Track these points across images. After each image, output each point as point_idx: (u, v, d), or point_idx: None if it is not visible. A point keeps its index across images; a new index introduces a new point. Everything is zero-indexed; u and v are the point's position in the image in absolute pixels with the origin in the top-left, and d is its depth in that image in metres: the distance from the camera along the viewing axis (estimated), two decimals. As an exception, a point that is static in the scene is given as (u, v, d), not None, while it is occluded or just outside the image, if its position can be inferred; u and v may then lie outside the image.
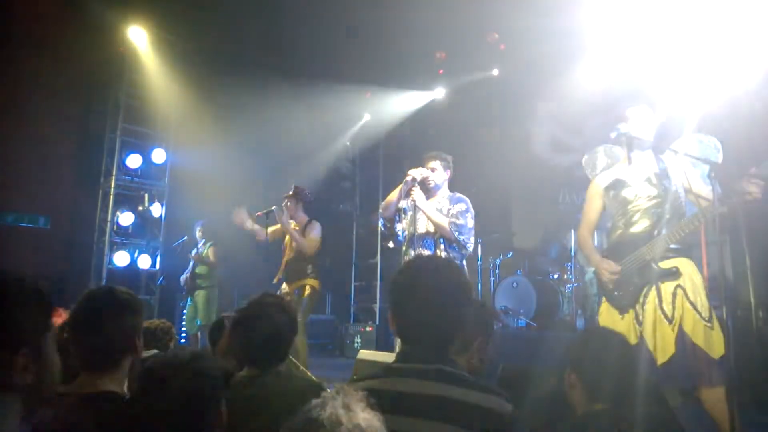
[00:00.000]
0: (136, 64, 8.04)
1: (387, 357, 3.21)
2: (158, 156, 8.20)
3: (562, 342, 5.32)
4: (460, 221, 3.94)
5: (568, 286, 6.75)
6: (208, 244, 7.33)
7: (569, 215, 7.88)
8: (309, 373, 3.52)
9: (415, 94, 9.48)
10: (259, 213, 5.33)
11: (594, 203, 3.49)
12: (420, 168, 4.11)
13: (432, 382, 1.46)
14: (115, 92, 8.18)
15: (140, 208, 8.01)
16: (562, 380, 1.95)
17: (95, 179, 8.10)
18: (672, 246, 3.08)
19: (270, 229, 5.44)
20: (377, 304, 9.75)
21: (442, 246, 4.03)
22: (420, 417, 1.40)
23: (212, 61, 8.16)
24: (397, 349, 2.19)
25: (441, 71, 9.14)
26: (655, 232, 3.12)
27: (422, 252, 3.97)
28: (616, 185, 3.34)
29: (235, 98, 8.62)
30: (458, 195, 4.12)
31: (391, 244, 4.51)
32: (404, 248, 4.15)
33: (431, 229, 4.02)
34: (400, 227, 4.20)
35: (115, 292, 1.78)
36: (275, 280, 5.35)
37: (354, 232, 10.53)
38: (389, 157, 10.26)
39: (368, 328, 8.36)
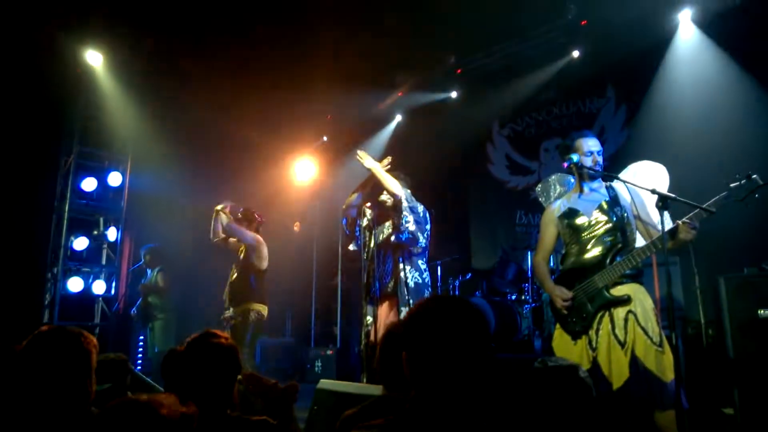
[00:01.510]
0: (92, 85, 7.93)
1: (347, 386, 3.21)
2: (114, 179, 8.06)
3: (520, 364, 5.41)
4: (413, 203, 4.27)
5: (526, 306, 6.88)
6: (156, 270, 7.22)
7: (526, 236, 8.06)
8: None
9: (373, 120, 9.62)
10: (218, 207, 5.38)
11: (548, 230, 3.58)
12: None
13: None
14: (70, 114, 8.02)
15: (95, 232, 7.84)
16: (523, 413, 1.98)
17: (48, 203, 7.89)
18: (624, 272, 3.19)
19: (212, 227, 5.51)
20: (338, 327, 9.72)
21: (399, 261, 4.13)
22: None
23: (171, 82, 8.11)
24: (366, 381, 2.17)
25: (400, 93, 9.29)
26: (608, 260, 3.23)
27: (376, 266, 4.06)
28: (569, 214, 3.45)
29: (196, 120, 8.57)
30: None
31: (352, 247, 4.64)
32: (367, 261, 4.27)
33: (389, 238, 4.16)
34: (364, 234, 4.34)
35: (65, 335, 1.74)
36: (226, 305, 5.29)
37: (314, 254, 10.49)
38: (350, 179, 10.30)
39: (329, 352, 8.32)
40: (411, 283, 4.09)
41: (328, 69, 7.73)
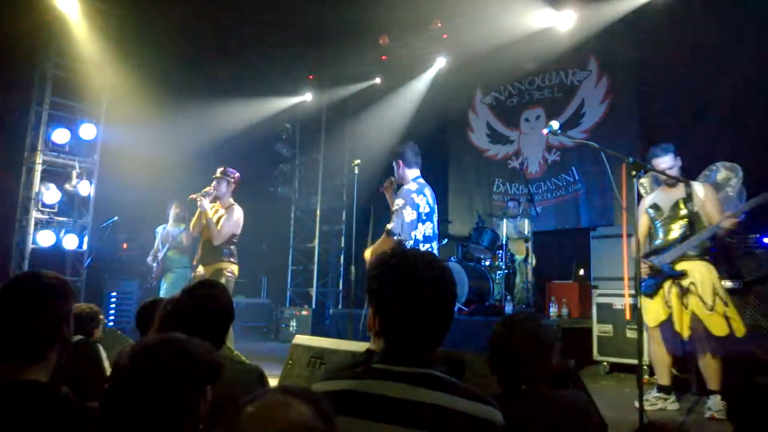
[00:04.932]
0: (65, 33, 7.67)
1: (323, 342, 3.25)
2: (87, 131, 7.87)
3: (491, 326, 5.53)
4: (393, 224, 4.05)
5: (499, 272, 6.98)
6: (182, 229, 6.89)
7: (502, 204, 8.13)
8: (242, 357, 3.52)
9: (354, 79, 9.54)
10: (192, 196, 5.21)
11: (642, 218, 4.44)
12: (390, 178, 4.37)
13: (420, 388, 1.37)
14: (41, 63, 7.77)
15: (67, 185, 7.68)
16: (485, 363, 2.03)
17: (19, 154, 7.71)
18: (690, 252, 4.05)
19: (192, 222, 5.38)
20: (314, 288, 9.78)
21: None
22: (405, 425, 1.32)
23: (148, 33, 7.89)
24: (372, 345, 2.16)
25: (384, 57, 9.18)
26: (677, 243, 4.13)
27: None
28: (654, 207, 4.36)
29: (172, 73, 8.38)
30: (404, 188, 4.20)
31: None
32: None
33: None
34: None
35: (42, 278, 1.71)
36: (194, 262, 5.29)
37: (292, 216, 10.47)
38: (330, 140, 10.25)
39: (304, 312, 8.38)
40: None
41: (310, 26, 7.60)
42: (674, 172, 4.18)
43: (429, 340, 1.47)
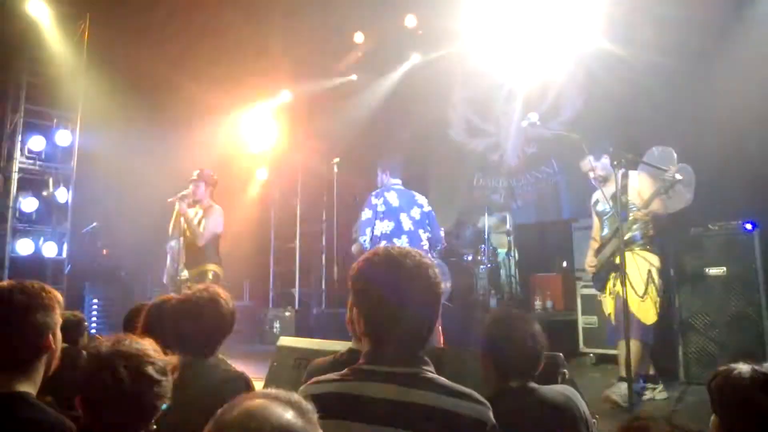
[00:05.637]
0: (38, 40, 7.56)
1: (308, 343, 3.24)
2: (63, 138, 7.75)
3: (476, 321, 5.55)
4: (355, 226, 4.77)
5: (482, 267, 7.01)
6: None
7: (483, 198, 8.16)
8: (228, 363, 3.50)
9: (331, 77, 9.50)
10: (170, 200, 5.17)
11: (593, 215, 4.62)
12: None
13: (409, 388, 1.35)
14: (15, 70, 7.64)
15: (45, 193, 7.57)
16: (478, 360, 2.04)
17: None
18: (636, 242, 4.13)
19: (171, 224, 5.37)
20: (296, 289, 9.74)
21: None
22: (395, 426, 1.30)
23: (121, 38, 7.80)
24: (354, 345, 2.19)
25: (360, 54, 9.16)
26: (614, 237, 4.18)
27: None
28: (596, 203, 4.50)
29: (147, 78, 8.28)
30: (369, 194, 4.85)
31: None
32: None
33: None
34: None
35: (24, 287, 1.68)
36: (181, 267, 5.25)
37: (272, 216, 10.41)
38: (308, 139, 10.18)
39: (287, 314, 8.34)
40: None
41: (285, 27, 7.55)
42: (599, 172, 4.28)
43: (415, 339, 1.45)
